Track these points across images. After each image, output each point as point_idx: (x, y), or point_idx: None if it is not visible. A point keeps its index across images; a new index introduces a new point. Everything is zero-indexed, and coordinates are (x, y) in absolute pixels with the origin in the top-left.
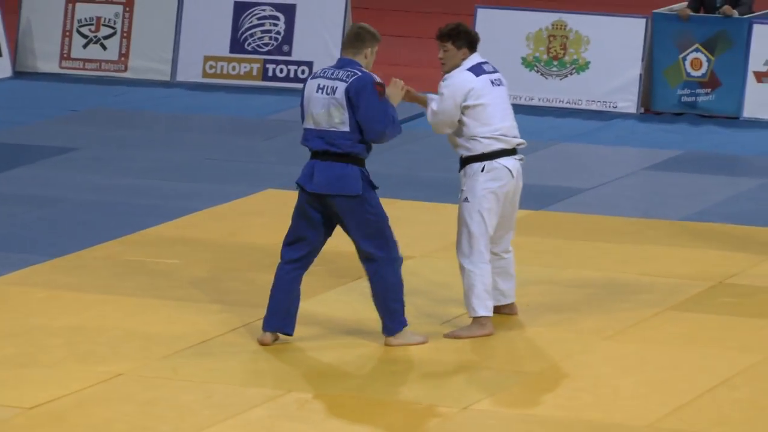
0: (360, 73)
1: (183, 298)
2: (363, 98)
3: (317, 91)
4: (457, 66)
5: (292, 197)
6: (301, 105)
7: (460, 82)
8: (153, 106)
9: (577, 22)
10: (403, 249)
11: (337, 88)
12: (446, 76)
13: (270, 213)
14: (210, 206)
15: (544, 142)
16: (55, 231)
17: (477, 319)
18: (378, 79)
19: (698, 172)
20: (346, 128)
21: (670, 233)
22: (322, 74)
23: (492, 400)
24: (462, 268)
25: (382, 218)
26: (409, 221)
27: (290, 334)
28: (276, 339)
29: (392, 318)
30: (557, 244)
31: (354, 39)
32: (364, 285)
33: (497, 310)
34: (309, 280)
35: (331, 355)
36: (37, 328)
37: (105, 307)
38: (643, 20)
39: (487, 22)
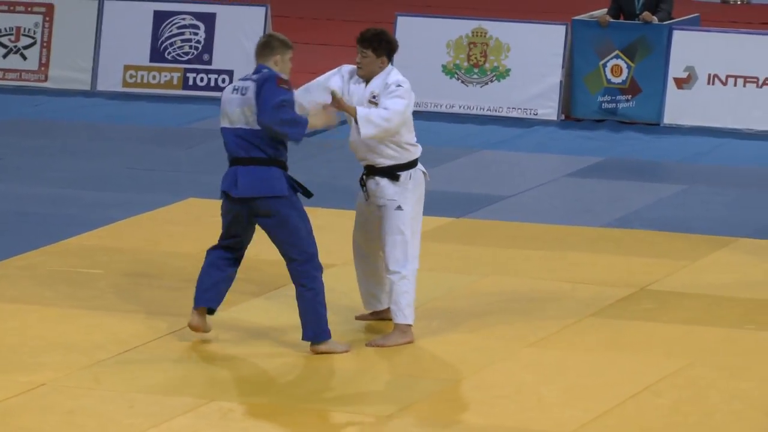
0: (263, 73)
1: (105, 307)
2: (263, 88)
3: (232, 92)
4: (374, 73)
5: (213, 206)
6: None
7: (409, 85)
8: (73, 115)
9: (497, 30)
10: (324, 257)
11: (248, 87)
12: (397, 79)
13: (191, 222)
14: (131, 215)
15: (465, 149)
16: None
17: (399, 327)
18: (283, 76)
19: (619, 178)
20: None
21: (591, 240)
22: (238, 79)
23: (413, 408)
24: (395, 274)
25: (306, 222)
26: (331, 229)
27: (214, 310)
28: (205, 321)
29: (319, 324)
30: (479, 251)
31: (263, 47)
32: (287, 293)
33: (377, 314)
34: (233, 288)
35: (254, 364)
36: None
37: (26, 317)
38: (563, 27)
39: (407, 29)
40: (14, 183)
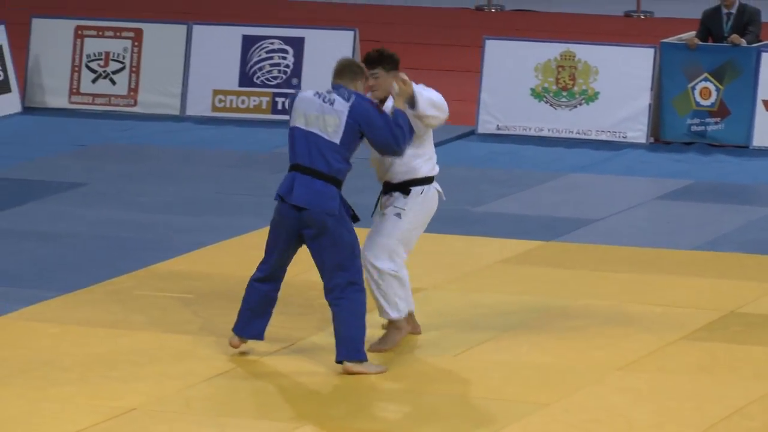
0: (355, 95)
1: (194, 332)
2: (371, 126)
3: (314, 96)
4: (388, 90)
5: None
6: (290, 110)
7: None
8: (162, 140)
9: (585, 53)
10: (412, 281)
11: (335, 100)
12: (422, 87)
13: None
14: (220, 240)
15: (554, 172)
16: (65, 266)
17: (394, 324)
18: (374, 100)
19: (708, 201)
20: (336, 140)
21: (681, 263)
22: (315, 90)
23: (509, 429)
24: (375, 270)
25: (355, 244)
26: (417, 253)
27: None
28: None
29: (357, 344)
30: (568, 274)
31: (347, 69)
32: (377, 319)
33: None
34: (318, 314)
35: (341, 387)
36: (49, 363)
37: (116, 342)
38: (652, 50)
39: (496, 53)
40: (103, 208)
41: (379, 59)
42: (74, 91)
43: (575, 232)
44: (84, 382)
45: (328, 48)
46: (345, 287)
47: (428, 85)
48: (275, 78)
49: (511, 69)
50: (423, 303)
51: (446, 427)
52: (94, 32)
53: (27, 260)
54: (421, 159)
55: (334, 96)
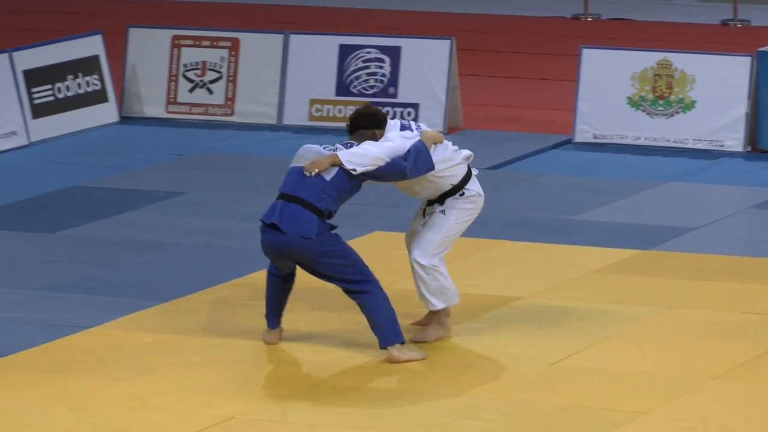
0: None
1: (294, 340)
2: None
3: (321, 147)
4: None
5: (399, 239)
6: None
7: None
8: (259, 149)
9: (682, 61)
10: (510, 290)
11: (338, 147)
12: (386, 136)
13: (378, 255)
14: None
15: (651, 181)
16: (163, 275)
17: (437, 318)
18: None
19: None
20: (327, 178)
21: None
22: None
23: None
24: (420, 266)
25: (350, 256)
26: (516, 262)
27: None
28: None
29: (393, 328)
30: (665, 283)
31: (358, 132)
32: (474, 327)
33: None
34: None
35: (434, 394)
36: (148, 372)
37: (215, 350)
38: (749, 58)
39: (592, 62)
40: (201, 217)
41: (354, 126)
42: (171, 100)
43: (672, 241)
44: (182, 391)
45: (425, 57)
46: (356, 286)
47: (524, 93)
48: (372, 87)
49: (607, 78)
50: (520, 312)
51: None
52: (191, 42)
53: (125, 270)
54: (443, 181)
55: (338, 145)
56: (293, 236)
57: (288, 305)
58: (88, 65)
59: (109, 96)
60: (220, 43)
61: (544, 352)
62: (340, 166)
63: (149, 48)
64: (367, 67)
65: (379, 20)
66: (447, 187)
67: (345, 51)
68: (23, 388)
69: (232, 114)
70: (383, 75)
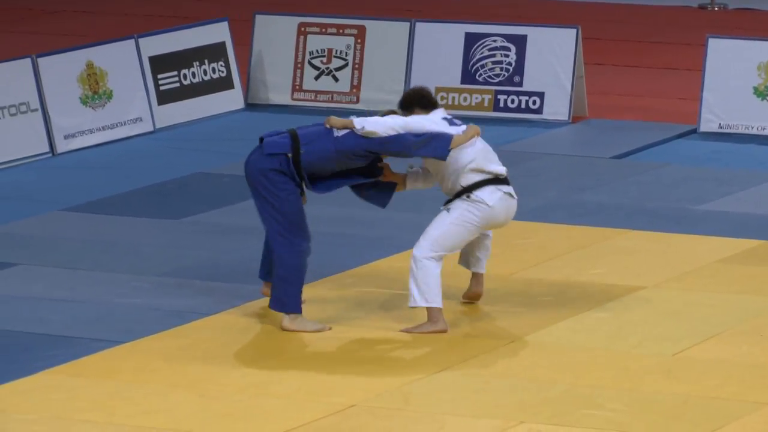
0: None
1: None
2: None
3: None
4: None
5: (522, 228)
6: None
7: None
8: None
9: None
10: (633, 279)
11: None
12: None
13: (505, 244)
14: None
15: None
16: None
17: (429, 315)
18: None
19: None
20: (338, 134)
21: None
22: None
23: (729, 428)
24: (414, 258)
25: (283, 204)
26: (639, 251)
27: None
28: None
29: (289, 294)
30: None
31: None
32: (597, 316)
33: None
34: (540, 310)
35: (549, 380)
36: (269, 358)
37: (336, 338)
38: None
39: (719, 51)
40: (326, 205)
41: (400, 106)
42: (297, 87)
43: None
44: (303, 378)
45: (551, 46)
46: (274, 239)
47: (650, 83)
48: (497, 76)
49: (733, 67)
50: (643, 302)
51: (663, 424)
52: (317, 29)
53: (249, 256)
54: (455, 183)
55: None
56: (255, 154)
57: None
58: (214, 52)
59: (234, 83)
60: (346, 31)
61: (667, 342)
62: (352, 128)
63: (275, 35)
64: (493, 56)
65: (505, 9)
66: (458, 188)
67: (471, 39)
68: (145, 373)
69: (357, 101)
70: (509, 63)
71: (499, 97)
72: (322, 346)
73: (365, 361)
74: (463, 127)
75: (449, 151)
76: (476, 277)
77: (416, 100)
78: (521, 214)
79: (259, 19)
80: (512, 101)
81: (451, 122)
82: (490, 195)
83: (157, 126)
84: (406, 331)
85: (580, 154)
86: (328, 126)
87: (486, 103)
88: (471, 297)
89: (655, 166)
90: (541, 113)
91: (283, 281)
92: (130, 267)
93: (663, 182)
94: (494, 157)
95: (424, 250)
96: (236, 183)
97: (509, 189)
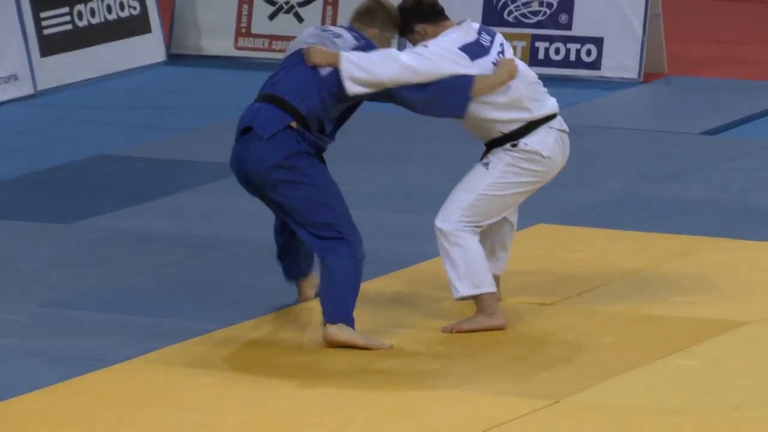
0: (367, 43)
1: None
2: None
3: (318, 29)
4: None
5: (581, 234)
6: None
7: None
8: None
9: None
10: (733, 311)
11: (342, 35)
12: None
13: (546, 256)
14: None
15: None
16: (226, 285)
17: (479, 305)
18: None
19: None
20: (323, 72)
21: None
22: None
23: None
24: (437, 230)
25: (322, 188)
26: (743, 269)
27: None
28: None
29: (341, 303)
30: None
31: (364, 13)
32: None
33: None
34: (598, 355)
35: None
36: (203, 429)
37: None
38: None
39: None
40: None
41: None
42: (242, 31)
43: None
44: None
45: None
46: (322, 239)
47: (757, 22)
48: (535, 14)
49: None
50: (748, 342)
51: None
52: None
53: (172, 277)
54: (491, 124)
55: (343, 32)
56: (254, 141)
57: None
58: None
59: (152, 24)
60: None
61: None
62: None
63: None
64: None
65: None
66: (495, 133)
67: None
68: None
69: None
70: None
71: (537, 44)
72: (290, 404)
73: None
74: (493, 55)
75: (467, 106)
76: (494, 278)
77: (416, 12)
78: (571, 215)
79: None
80: (557, 51)
81: (476, 45)
82: (543, 140)
83: (39, 87)
84: (453, 329)
85: (655, 129)
86: (309, 65)
87: (519, 54)
88: None
89: (766, 146)
90: (599, 68)
91: (335, 292)
92: (2, 293)
93: None
94: (541, 88)
95: (454, 222)
96: (153, 170)
97: (561, 123)
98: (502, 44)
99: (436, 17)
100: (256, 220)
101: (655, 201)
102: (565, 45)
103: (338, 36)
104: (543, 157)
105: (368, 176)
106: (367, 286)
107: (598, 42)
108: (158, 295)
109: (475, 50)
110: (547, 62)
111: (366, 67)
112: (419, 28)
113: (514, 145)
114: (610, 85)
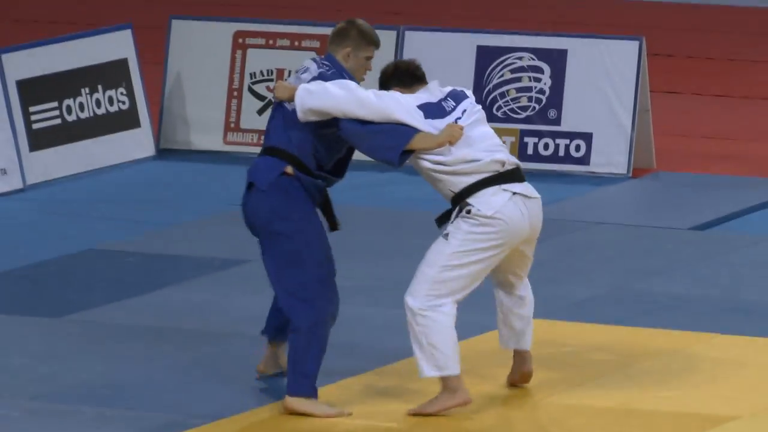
0: (333, 68)
1: None
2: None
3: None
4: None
5: (570, 329)
6: None
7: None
8: (358, 197)
9: None
10: (724, 405)
11: (308, 68)
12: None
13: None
14: None
15: None
16: (217, 381)
17: (444, 384)
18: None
19: None
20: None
21: None
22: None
23: None
24: (406, 308)
25: (300, 243)
26: (733, 365)
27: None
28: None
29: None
30: None
31: (336, 34)
32: None
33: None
34: None
35: None
36: None
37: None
38: None
39: None
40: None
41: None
42: (232, 126)
43: None
44: None
45: (602, 65)
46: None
47: (744, 119)
48: (524, 109)
49: None
50: None
51: None
52: (261, 40)
53: (162, 372)
54: (440, 184)
55: (311, 63)
56: (254, 193)
57: None
58: (111, 73)
59: (141, 119)
60: (304, 43)
61: None
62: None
63: (200, 49)
64: (518, 80)
65: (535, 11)
66: (447, 191)
67: (485, 55)
68: None
69: None
70: (541, 91)
71: (526, 139)
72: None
73: None
74: (450, 119)
75: (403, 157)
76: (519, 355)
77: (393, 76)
78: (560, 310)
79: (177, 25)
80: (545, 146)
81: (435, 106)
82: (489, 201)
83: (29, 181)
84: (416, 413)
85: (644, 224)
86: (275, 99)
87: (508, 149)
88: (519, 380)
89: (755, 241)
90: (588, 164)
91: (296, 364)
92: None
93: (766, 264)
94: (492, 142)
95: (421, 297)
96: (143, 264)
97: (526, 188)
98: (464, 111)
99: (410, 80)
100: (245, 315)
101: (644, 296)
102: (554, 140)
103: (306, 70)
104: (491, 218)
105: (357, 271)
106: (354, 381)
107: (587, 137)
108: (147, 389)
109: (432, 110)
110: (536, 157)
111: (318, 95)
112: (394, 90)
113: (468, 212)
114: (599, 180)
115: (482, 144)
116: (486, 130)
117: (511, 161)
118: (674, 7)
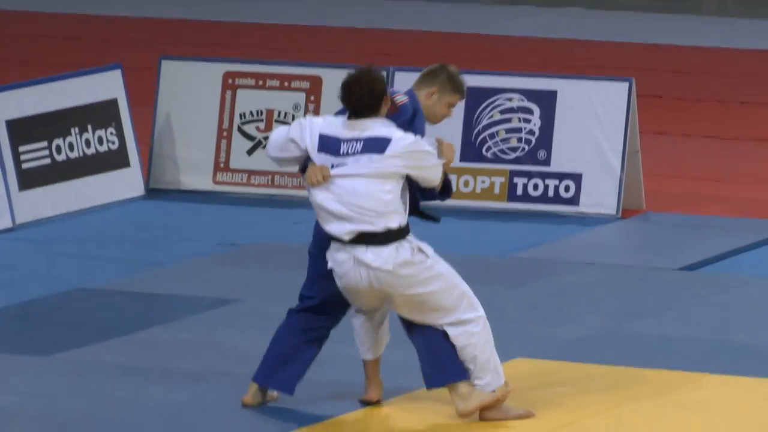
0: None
1: None
2: None
3: None
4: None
5: (558, 369)
6: None
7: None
8: None
9: None
10: None
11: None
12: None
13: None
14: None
15: None
16: (207, 420)
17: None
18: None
19: None
20: None
21: None
22: None
23: None
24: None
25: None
26: (723, 406)
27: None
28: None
29: None
30: None
31: (426, 73)
32: None
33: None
34: None
35: None
36: None
37: None
38: None
39: None
40: (261, 335)
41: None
42: (221, 166)
43: None
44: None
45: (591, 106)
46: None
47: (734, 160)
48: (513, 150)
49: None
50: None
51: None
52: (250, 81)
53: (151, 411)
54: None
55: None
56: None
57: None
58: (101, 114)
59: (131, 159)
60: (294, 83)
61: None
62: None
63: (190, 89)
64: (507, 120)
65: (524, 50)
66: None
67: (475, 96)
68: None
69: None
70: (530, 132)
71: (515, 180)
72: None
73: None
74: (334, 160)
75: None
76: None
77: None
78: (549, 350)
79: (168, 66)
80: (535, 187)
81: (334, 141)
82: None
83: (18, 221)
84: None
85: (634, 264)
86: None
87: (497, 190)
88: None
89: (745, 282)
90: (577, 204)
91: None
92: None
93: (757, 304)
94: (347, 207)
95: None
96: (131, 304)
97: (364, 252)
98: (358, 161)
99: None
100: (235, 355)
101: (633, 336)
102: (544, 181)
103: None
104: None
105: None
106: (343, 420)
107: (577, 178)
108: (136, 428)
109: (328, 145)
110: (526, 198)
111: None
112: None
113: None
114: (588, 220)
115: (345, 198)
116: (362, 187)
117: (336, 231)
118: (663, 49)
